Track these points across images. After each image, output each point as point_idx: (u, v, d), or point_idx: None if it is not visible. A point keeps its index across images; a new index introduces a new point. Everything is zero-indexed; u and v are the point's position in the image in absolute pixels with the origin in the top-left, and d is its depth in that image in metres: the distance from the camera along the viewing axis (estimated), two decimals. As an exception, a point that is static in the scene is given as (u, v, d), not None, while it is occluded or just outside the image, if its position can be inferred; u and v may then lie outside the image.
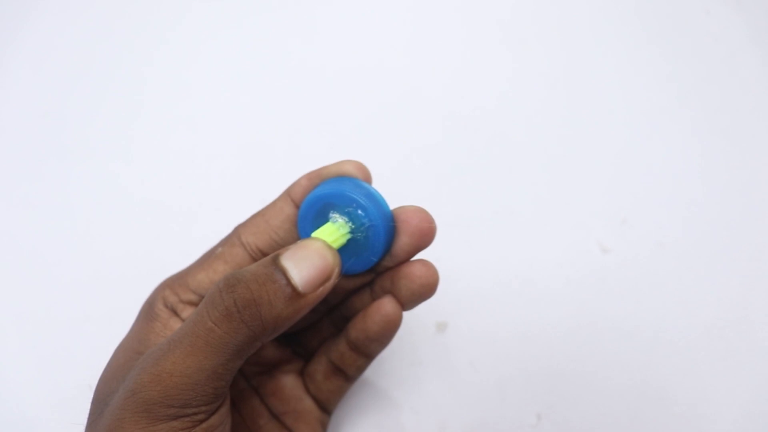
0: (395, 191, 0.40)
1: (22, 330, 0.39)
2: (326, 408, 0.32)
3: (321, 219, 0.28)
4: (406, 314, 0.38)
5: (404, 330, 0.38)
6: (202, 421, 0.24)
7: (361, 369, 0.32)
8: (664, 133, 0.45)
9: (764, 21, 0.48)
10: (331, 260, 0.25)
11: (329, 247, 0.26)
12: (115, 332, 0.30)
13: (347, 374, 0.32)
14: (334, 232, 0.27)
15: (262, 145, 0.45)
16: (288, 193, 0.29)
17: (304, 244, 0.25)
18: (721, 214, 0.42)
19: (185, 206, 0.43)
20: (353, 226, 0.27)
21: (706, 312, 0.39)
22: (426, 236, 0.28)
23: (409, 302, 0.29)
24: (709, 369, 0.38)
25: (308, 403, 0.31)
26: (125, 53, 0.48)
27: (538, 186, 0.43)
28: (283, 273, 0.24)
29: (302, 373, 0.32)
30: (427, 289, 0.28)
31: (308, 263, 0.25)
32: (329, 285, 0.25)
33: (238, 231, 0.29)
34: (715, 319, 0.39)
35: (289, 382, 0.32)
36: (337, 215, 0.27)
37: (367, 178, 0.29)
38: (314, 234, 0.27)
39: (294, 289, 0.24)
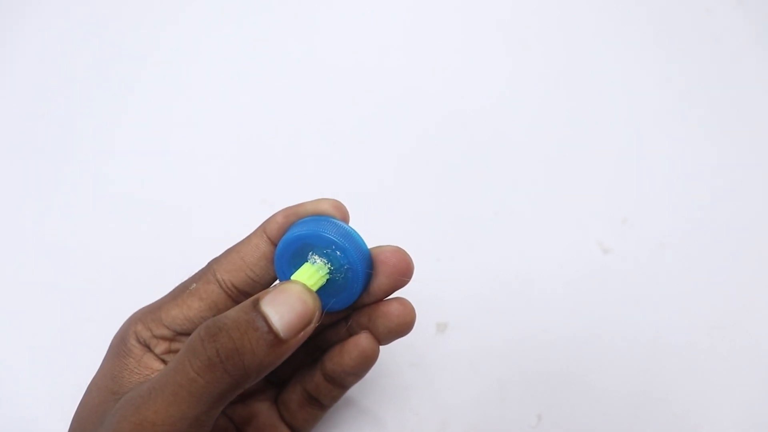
0: (395, 192, 0.40)
1: (22, 330, 0.39)
2: None
3: (298, 259, 0.27)
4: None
5: None
6: None
7: (335, 398, 0.31)
8: (664, 132, 0.45)
9: (765, 20, 0.48)
10: (311, 304, 0.25)
11: (309, 290, 0.25)
12: (114, 333, 0.30)
13: (322, 403, 0.31)
14: (313, 274, 0.26)
15: (262, 146, 0.45)
16: (263, 229, 0.29)
17: (283, 288, 0.25)
18: (722, 214, 0.42)
19: (185, 207, 0.42)
20: (332, 267, 0.27)
21: (707, 312, 0.39)
22: (403, 276, 0.28)
23: (385, 339, 0.29)
24: (710, 369, 0.38)
25: (283, 431, 0.31)
26: (125, 53, 0.48)
27: (538, 186, 0.43)
28: (264, 319, 0.24)
29: (276, 401, 0.32)
30: (403, 327, 0.28)
31: (289, 308, 0.24)
32: (310, 329, 0.25)
33: (212, 267, 0.29)
34: (716, 320, 0.39)
35: (264, 410, 0.31)
36: (315, 256, 0.27)
37: (345, 217, 0.29)
38: (293, 276, 0.26)
39: (276, 335, 0.24)
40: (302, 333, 0.25)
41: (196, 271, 0.30)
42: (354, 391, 0.37)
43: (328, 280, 0.27)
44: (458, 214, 0.42)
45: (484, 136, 0.45)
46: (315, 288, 0.26)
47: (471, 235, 0.41)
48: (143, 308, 0.29)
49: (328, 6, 0.50)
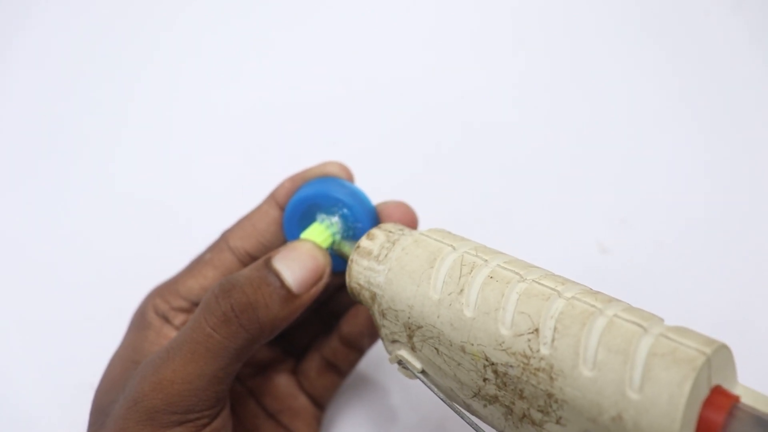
0: (395, 194, 0.40)
1: (23, 330, 0.39)
2: (320, 404, 0.33)
3: (307, 220, 0.28)
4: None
5: None
6: (205, 426, 0.25)
7: (353, 363, 0.33)
8: (663, 133, 0.45)
9: (763, 21, 0.48)
10: (321, 260, 0.26)
11: (319, 247, 0.27)
12: (116, 331, 0.30)
13: (340, 369, 0.32)
14: (322, 232, 0.28)
15: (264, 146, 0.45)
16: (273, 196, 0.30)
17: (294, 245, 0.26)
18: (720, 214, 0.42)
19: (185, 207, 0.43)
20: (340, 225, 0.28)
21: (706, 312, 0.39)
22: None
23: None
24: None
25: (303, 401, 0.32)
26: (128, 55, 0.48)
27: (537, 186, 0.43)
28: (277, 275, 0.25)
29: (295, 372, 0.33)
30: None
31: (300, 264, 0.26)
32: (321, 284, 0.26)
33: (225, 236, 0.29)
34: (715, 320, 0.39)
35: (283, 381, 0.32)
36: (323, 215, 0.28)
37: (350, 178, 0.30)
38: (303, 235, 0.28)
39: (288, 290, 0.25)
40: (314, 288, 0.26)
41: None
42: (354, 390, 0.37)
43: (336, 238, 0.28)
44: (458, 214, 0.42)
45: (483, 138, 0.45)
46: (325, 245, 0.27)
47: (471, 235, 0.41)
48: (162, 283, 0.30)
49: (338, 11, 0.50)
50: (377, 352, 0.37)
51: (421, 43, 0.48)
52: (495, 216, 0.42)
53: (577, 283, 0.22)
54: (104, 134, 0.46)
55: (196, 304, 0.29)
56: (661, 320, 0.20)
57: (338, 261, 0.29)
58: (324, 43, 0.48)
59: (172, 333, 0.28)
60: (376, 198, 0.30)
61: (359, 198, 0.29)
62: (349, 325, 0.31)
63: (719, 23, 0.48)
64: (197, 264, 0.29)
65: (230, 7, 0.49)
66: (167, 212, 0.42)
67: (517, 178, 0.43)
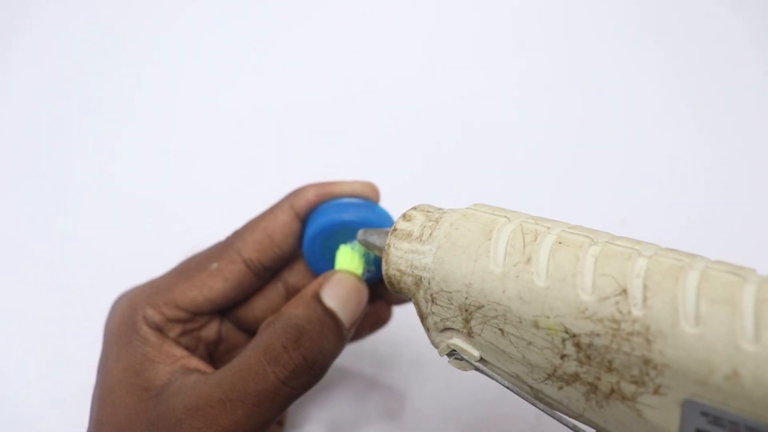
0: (396, 194, 0.39)
1: (23, 329, 0.38)
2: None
3: (330, 242, 0.28)
4: (406, 313, 0.37)
5: (404, 329, 0.37)
6: None
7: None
8: (663, 133, 0.46)
9: (763, 21, 0.50)
10: (365, 294, 0.27)
11: (359, 279, 0.27)
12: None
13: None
14: (354, 259, 0.27)
15: (262, 146, 0.44)
16: (291, 205, 0.28)
17: (339, 280, 0.26)
18: (720, 214, 0.43)
19: (185, 206, 0.42)
20: (366, 261, 0.28)
21: None
22: None
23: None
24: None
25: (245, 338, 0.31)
26: (124, 54, 0.48)
27: (536, 186, 0.43)
28: (333, 315, 0.25)
29: (228, 320, 0.31)
30: None
31: (350, 302, 0.26)
32: (362, 316, 0.27)
33: (237, 247, 0.28)
34: None
35: (226, 330, 0.30)
36: (353, 239, 0.28)
37: (377, 199, 0.29)
38: (340, 266, 0.27)
39: (343, 328, 0.25)
40: (358, 321, 0.26)
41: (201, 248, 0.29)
42: (354, 389, 0.36)
43: (365, 261, 0.28)
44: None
45: (483, 137, 0.45)
46: (358, 272, 0.27)
47: None
48: (142, 288, 0.27)
49: (339, 12, 0.50)
50: (387, 359, 0.37)
51: (421, 44, 0.48)
52: None
53: (653, 243, 0.21)
54: (104, 134, 0.45)
55: (197, 314, 0.27)
56: (754, 270, 0.19)
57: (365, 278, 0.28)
58: (324, 43, 0.48)
59: (174, 349, 0.26)
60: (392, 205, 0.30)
61: (389, 224, 0.28)
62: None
63: (719, 23, 0.50)
64: (198, 273, 0.27)
65: (230, 7, 0.49)
66: (167, 212, 0.41)
67: (517, 178, 0.43)
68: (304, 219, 0.28)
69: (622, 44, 0.49)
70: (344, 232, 0.28)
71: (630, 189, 0.43)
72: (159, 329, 0.27)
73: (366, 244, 0.27)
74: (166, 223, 0.41)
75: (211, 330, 0.29)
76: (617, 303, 0.19)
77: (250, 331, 0.30)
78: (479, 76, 0.47)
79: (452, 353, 0.23)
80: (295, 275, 0.30)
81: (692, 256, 0.19)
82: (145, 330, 0.26)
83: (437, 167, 0.43)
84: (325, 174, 0.42)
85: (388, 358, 0.36)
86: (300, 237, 0.28)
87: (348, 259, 0.27)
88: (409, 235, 0.24)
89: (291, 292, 0.30)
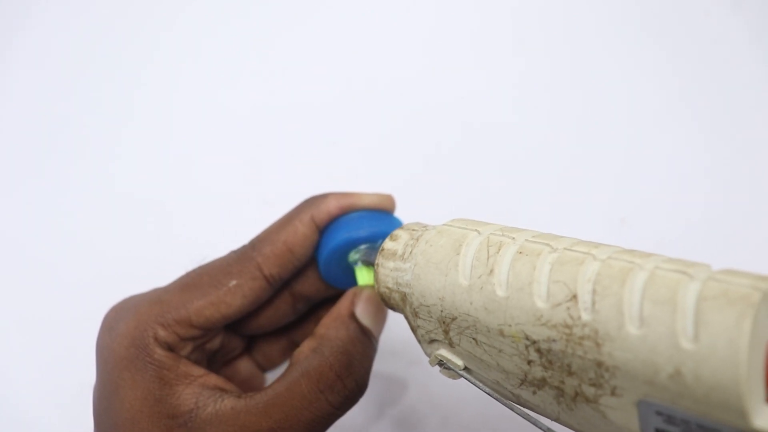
0: (396, 194, 0.40)
1: (23, 329, 0.39)
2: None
3: (346, 254, 0.28)
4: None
5: (404, 329, 0.37)
6: None
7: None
8: (663, 133, 0.45)
9: (763, 21, 0.48)
10: (386, 311, 0.27)
11: (378, 294, 0.26)
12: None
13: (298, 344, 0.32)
14: (371, 274, 0.28)
15: (263, 146, 0.45)
16: (312, 217, 0.27)
17: (368, 298, 0.27)
18: (720, 214, 0.41)
19: (185, 207, 0.43)
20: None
21: None
22: None
23: None
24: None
25: (260, 380, 0.32)
26: (124, 54, 0.49)
27: (537, 186, 0.43)
28: (369, 335, 0.26)
29: (250, 353, 0.32)
30: None
31: (379, 318, 0.27)
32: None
33: (256, 261, 0.27)
34: None
35: (245, 365, 0.32)
36: (371, 252, 0.28)
37: (393, 210, 0.30)
38: (361, 281, 0.28)
39: (376, 345, 0.27)
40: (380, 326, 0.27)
41: (209, 258, 0.28)
42: None
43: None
44: (458, 214, 0.40)
45: (483, 137, 0.45)
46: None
47: None
48: (150, 307, 0.26)
49: (339, 10, 0.51)
50: (386, 359, 0.37)
51: (421, 43, 0.49)
52: (495, 216, 0.40)
53: (612, 245, 0.21)
54: (104, 135, 0.46)
55: (210, 330, 0.27)
56: (707, 266, 0.19)
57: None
58: (324, 43, 0.49)
59: (190, 369, 0.25)
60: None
61: None
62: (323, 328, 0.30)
63: (719, 23, 0.48)
64: (214, 289, 0.26)
65: (230, 7, 0.50)
66: (167, 212, 0.42)
67: (517, 178, 0.43)
68: (323, 229, 0.28)
69: (622, 44, 0.48)
70: (366, 249, 0.28)
71: (630, 189, 0.43)
72: (171, 349, 0.26)
73: (365, 263, 0.28)
74: (166, 223, 0.42)
75: (216, 341, 0.28)
76: (568, 309, 0.19)
77: (248, 336, 0.32)
78: (479, 76, 0.47)
79: (441, 363, 0.24)
80: (301, 283, 0.30)
81: (647, 256, 0.20)
82: (159, 352, 0.25)
83: (437, 167, 0.44)
84: (324, 174, 0.43)
85: (387, 359, 0.37)
86: (317, 247, 0.29)
87: (367, 275, 0.28)
88: (393, 254, 0.25)
89: (297, 299, 0.30)
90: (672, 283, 0.18)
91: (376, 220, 0.28)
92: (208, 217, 0.42)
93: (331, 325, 0.26)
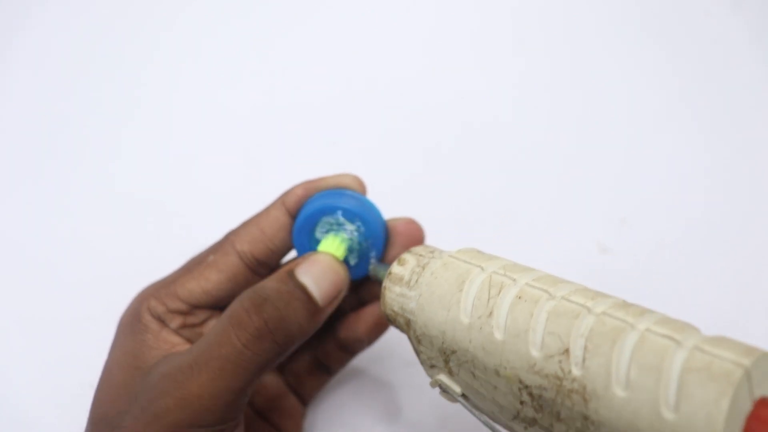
0: (396, 194, 0.40)
1: (23, 329, 0.39)
2: (305, 401, 0.33)
3: (318, 230, 0.29)
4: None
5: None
6: None
7: (343, 364, 0.33)
8: (663, 132, 0.44)
9: (763, 21, 0.47)
10: (342, 274, 0.27)
11: (339, 261, 0.27)
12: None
13: (330, 369, 0.33)
14: (338, 245, 0.28)
15: (263, 146, 0.46)
16: (282, 201, 0.30)
17: (315, 259, 0.27)
18: (720, 214, 0.41)
19: (185, 207, 0.43)
20: (353, 238, 0.29)
21: (706, 313, 0.38)
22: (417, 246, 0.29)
23: None
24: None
25: (291, 399, 0.32)
26: (124, 54, 0.49)
27: (537, 186, 0.43)
28: (303, 289, 0.26)
29: (281, 371, 0.33)
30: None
31: (324, 278, 0.26)
32: (341, 297, 0.27)
33: (231, 239, 0.29)
34: (715, 320, 0.37)
35: (271, 381, 0.32)
36: (337, 227, 0.29)
37: (364, 191, 0.30)
38: (321, 248, 0.28)
39: (315, 304, 0.26)
40: (336, 301, 0.27)
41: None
42: (354, 390, 0.37)
43: (349, 250, 0.29)
44: (458, 214, 0.42)
45: (482, 137, 0.45)
46: (340, 258, 0.28)
47: (471, 235, 0.41)
48: (154, 283, 0.29)
49: (339, 10, 0.50)
50: (387, 359, 0.38)
51: (421, 43, 0.48)
52: (495, 216, 0.42)
53: (610, 296, 0.22)
54: (105, 134, 0.46)
55: (195, 307, 0.29)
56: (697, 330, 0.19)
57: (351, 272, 0.29)
58: (324, 43, 0.49)
59: (171, 337, 0.28)
60: (376, 199, 0.31)
61: (373, 213, 0.29)
62: (348, 330, 0.31)
63: (719, 23, 0.48)
64: (197, 266, 0.29)
65: (230, 7, 0.50)
66: (167, 212, 0.43)
67: (518, 178, 0.43)
68: (295, 214, 0.29)
69: (622, 44, 0.47)
70: (332, 223, 0.29)
71: (630, 189, 0.42)
72: (160, 319, 0.28)
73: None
74: (166, 223, 0.42)
75: (210, 326, 0.30)
76: (560, 361, 0.20)
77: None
78: (479, 76, 0.47)
79: (441, 387, 0.26)
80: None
81: (641, 314, 0.20)
82: (147, 318, 0.28)
83: (437, 167, 0.44)
84: (324, 174, 0.44)
85: (387, 359, 0.38)
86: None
87: (331, 244, 0.28)
88: (400, 280, 0.26)
89: None
90: (660, 350, 0.19)
91: (340, 194, 0.29)
92: (208, 217, 0.42)
93: (267, 278, 0.27)
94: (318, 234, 0.29)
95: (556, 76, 0.46)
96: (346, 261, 0.29)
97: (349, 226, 0.29)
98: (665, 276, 0.40)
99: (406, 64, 0.48)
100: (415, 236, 0.30)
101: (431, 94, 0.46)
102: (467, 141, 0.45)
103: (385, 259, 0.30)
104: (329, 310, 0.27)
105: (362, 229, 0.29)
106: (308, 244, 0.29)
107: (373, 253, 0.29)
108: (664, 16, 0.48)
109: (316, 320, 0.26)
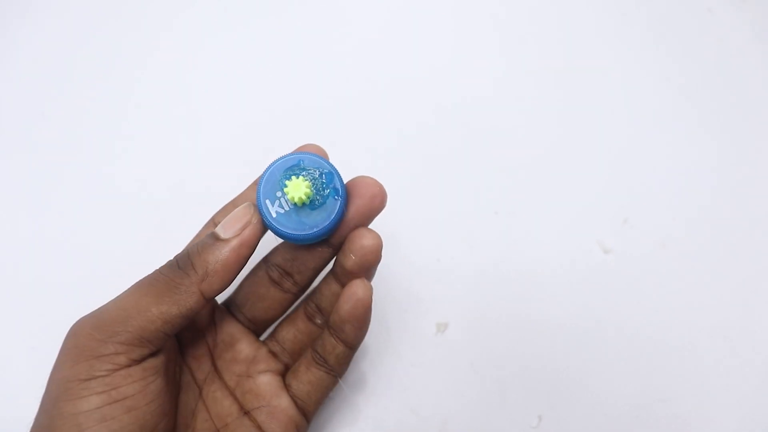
0: (396, 195, 0.40)
1: (23, 330, 0.39)
2: (305, 411, 0.31)
3: (282, 185, 0.29)
4: (406, 314, 0.38)
5: (404, 330, 0.38)
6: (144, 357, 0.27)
7: (340, 359, 0.31)
8: (666, 132, 0.45)
9: (766, 19, 0.48)
10: (243, 210, 0.28)
11: (248, 204, 0.28)
12: None
13: (328, 363, 0.31)
14: (301, 185, 0.28)
15: (262, 146, 0.44)
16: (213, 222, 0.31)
17: (233, 210, 0.28)
18: (723, 214, 0.42)
19: (185, 207, 0.42)
20: (314, 177, 0.29)
21: (708, 312, 0.39)
22: (376, 197, 0.29)
23: (363, 266, 0.29)
24: (711, 369, 0.38)
25: (285, 401, 0.31)
26: (124, 52, 0.48)
27: (538, 186, 0.43)
28: (213, 234, 0.28)
29: (283, 374, 0.32)
30: (375, 248, 0.30)
31: (228, 216, 0.28)
32: (250, 229, 0.28)
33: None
34: (717, 320, 0.39)
35: (266, 379, 0.31)
36: (299, 171, 0.29)
37: (325, 157, 0.31)
38: (287, 189, 0.28)
39: (215, 236, 0.28)
40: (245, 232, 0.28)
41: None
42: (354, 390, 0.37)
43: (311, 205, 0.28)
44: (458, 214, 0.42)
45: (485, 135, 0.45)
46: (303, 198, 0.28)
47: (471, 235, 0.41)
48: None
49: (339, 10, 0.49)
50: (387, 359, 0.37)
51: (422, 44, 0.48)
52: (497, 217, 0.42)
53: None
54: (105, 134, 0.45)
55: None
56: None
57: (316, 227, 0.29)
58: (324, 43, 0.48)
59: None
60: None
61: (331, 164, 0.29)
62: (335, 314, 0.30)
63: (722, 20, 0.48)
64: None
65: (230, 7, 0.49)
66: (167, 213, 0.42)
67: (519, 179, 0.43)
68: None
69: (625, 42, 0.47)
70: (294, 171, 0.29)
71: (633, 189, 0.43)
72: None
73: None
74: (166, 223, 0.42)
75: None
76: None
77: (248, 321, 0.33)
78: (480, 77, 0.47)
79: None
80: (273, 254, 0.32)
81: None
82: None
83: (439, 167, 0.43)
84: None
85: (387, 359, 0.38)
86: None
87: (295, 186, 0.28)
88: None
89: (273, 271, 0.32)
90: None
91: (298, 153, 0.30)
92: (207, 217, 0.42)
93: None
94: (280, 185, 0.29)
95: (557, 75, 0.46)
96: (309, 215, 0.29)
97: (309, 171, 0.29)
98: (667, 276, 0.40)
99: (406, 64, 0.47)
100: (373, 186, 0.30)
101: (432, 95, 0.46)
102: (468, 142, 0.44)
103: (348, 213, 0.30)
104: (238, 242, 0.27)
105: (326, 175, 0.29)
106: (272, 199, 0.29)
107: (336, 197, 0.29)
108: (666, 14, 0.48)
109: (222, 250, 0.27)
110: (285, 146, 0.46)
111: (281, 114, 0.46)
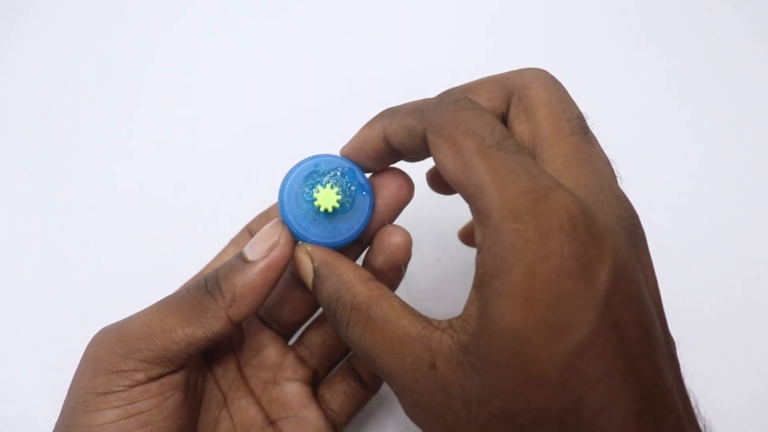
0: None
1: (23, 330, 0.39)
2: (335, 422, 0.31)
3: (306, 192, 0.28)
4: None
5: None
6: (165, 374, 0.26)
7: (373, 375, 0.31)
8: (665, 131, 0.45)
9: (766, 18, 0.48)
10: (269, 230, 0.27)
11: (277, 221, 0.27)
12: None
13: (362, 378, 0.31)
14: (329, 193, 0.28)
15: (262, 146, 0.45)
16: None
17: (261, 230, 0.27)
18: (722, 214, 0.42)
19: (185, 207, 0.42)
20: (338, 181, 0.28)
21: (707, 312, 0.39)
22: (403, 186, 0.30)
23: (391, 267, 0.29)
24: (711, 369, 0.38)
25: (313, 412, 0.30)
26: (126, 53, 0.48)
27: None
28: (242, 257, 0.27)
29: (314, 384, 0.32)
30: (405, 246, 0.29)
31: (256, 236, 0.27)
32: (278, 250, 0.27)
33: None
34: (717, 319, 0.39)
35: (294, 388, 0.31)
36: (320, 177, 0.28)
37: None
38: (317, 202, 0.27)
39: (243, 257, 0.26)
40: (273, 253, 0.27)
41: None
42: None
43: (339, 209, 0.28)
44: (458, 213, 0.41)
45: None
46: (331, 206, 0.27)
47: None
48: None
49: (338, 10, 0.50)
50: None
51: (421, 44, 0.48)
52: None
53: None
54: (105, 134, 0.45)
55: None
56: None
57: (345, 232, 0.28)
58: (323, 43, 0.48)
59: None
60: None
61: (353, 163, 0.29)
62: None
63: (721, 20, 0.48)
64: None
65: (230, 7, 0.49)
66: (167, 213, 0.42)
67: None
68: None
69: (623, 41, 0.48)
70: (314, 180, 0.28)
71: (632, 189, 0.42)
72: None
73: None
74: (165, 223, 0.42)
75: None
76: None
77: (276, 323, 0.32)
78: (479, 76, 0.46)
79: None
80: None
81: None
82: None
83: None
84: None
85: None
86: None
87: (323, 193, 0.28)
88: None
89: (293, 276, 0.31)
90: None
91: (307, 160, 0.29)
92: (208, 218, 0.42)
93: None
94: (305, 196, 0.28)
95: (556, 74, 0.46)
96: (338, 219, 0.28)
97: (329, 174, 0.28)
98: (668, 277, 0.40)
99: (405, 64, 0.47)
100: (399, 177, 0.30)
101: (432, 94, 0.46)
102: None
103: (376, 209, 0.29)
104: (266, 263, 0.26)
105: (349, 174, 0.28)
106: (299, 212, 0.28)
107: (364, 193, 0.29)
108: (666, 14, 0.49)
109: (248, 273, 0.26)
110: (285, 146, 0.46)
111: (282, 114, 0.46)
